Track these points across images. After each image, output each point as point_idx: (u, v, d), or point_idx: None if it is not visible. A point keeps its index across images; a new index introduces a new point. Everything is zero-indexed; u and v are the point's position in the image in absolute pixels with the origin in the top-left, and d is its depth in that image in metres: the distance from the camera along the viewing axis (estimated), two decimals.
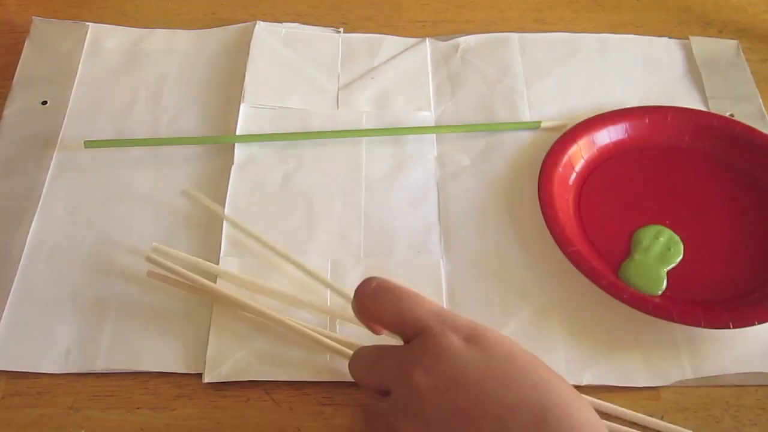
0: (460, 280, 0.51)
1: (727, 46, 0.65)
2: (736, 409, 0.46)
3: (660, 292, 0.50)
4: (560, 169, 0.54)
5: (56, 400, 0.46)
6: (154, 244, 0.50)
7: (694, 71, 0.63)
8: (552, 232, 0.51)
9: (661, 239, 0.52)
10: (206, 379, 0.46)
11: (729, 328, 0.47)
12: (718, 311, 0.48)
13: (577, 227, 0.53)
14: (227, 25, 0.65)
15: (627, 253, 0.52)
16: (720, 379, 0.47)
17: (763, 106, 0.61)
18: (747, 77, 0.63)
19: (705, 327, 0.47)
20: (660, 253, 0.51)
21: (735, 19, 0.68)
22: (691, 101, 0.61)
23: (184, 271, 0.49)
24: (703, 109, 0.60)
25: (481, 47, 0.64)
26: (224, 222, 0.53)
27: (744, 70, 0.63)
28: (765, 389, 0.47)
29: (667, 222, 0.53)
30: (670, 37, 0.66)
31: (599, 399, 0.46)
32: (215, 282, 0.49)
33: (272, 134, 0.58)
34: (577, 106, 0.60)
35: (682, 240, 0.52)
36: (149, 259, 0.49)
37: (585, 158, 0.56)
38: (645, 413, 0.45)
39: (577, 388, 0.46)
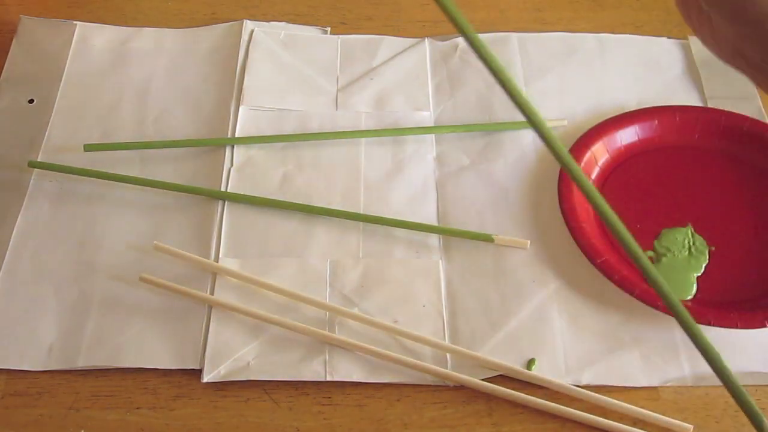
0: (459, 280, 0.51)
1: None
2: (735, 409, 0.46)
3: (690, 297, 0.50)
4: None
5: (56, 400, 0.46)
6: (154, 242, 0.50)
7: (693, 71, 0.63)
8: (579, 244, 0.50)
9: (686, 241, 0.52)
10: (205, 379, 0.46)
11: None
12: (754, 312, 0.48)
13: (600, 235, 0.52)
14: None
15: (652, 258, 0.51)
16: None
17: (762, 106, 0.61)
18: (746, 77, 0.63)
19: (741, 328, 0.47)
20: (687, 256, 0.51)
21: None
22: (690, 101, 0.61)
23: (187, 254, 0.49)
24: None
25: None
26: (223, 222, 0.53)
27: None
28: (765, 389, 0.47)
29: (689, 223, 0.53)
30: (669, 37, 0.66)
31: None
32: (213, 280, 0.50)
33: (271, 136, 0.58)
34: (576, 106, 0.60)
35: (706, 240, 0.52)
36: (157, 247, 0.50)
37: (600, 165, 0.56)
38: (644, 414, 0.45)
39: (577, 387, 0.46)
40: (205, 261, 0.51)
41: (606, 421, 0.45)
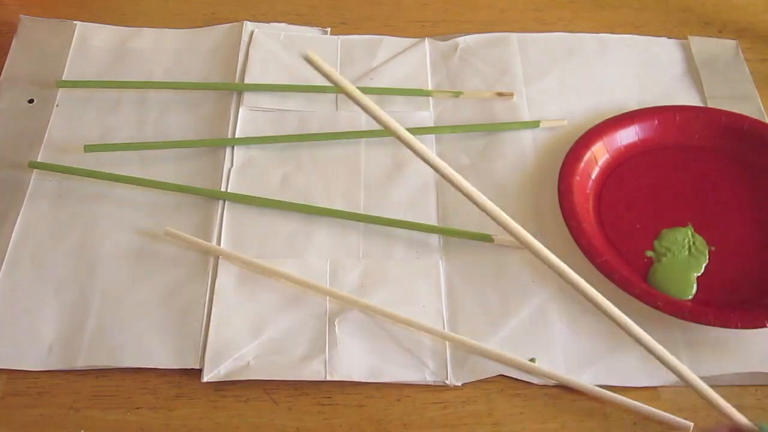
0: (459, 280, 0.51)
1: (726, 46, 0.65)
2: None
3: (691, 296, 0.50)
4: (578, 177, 0.54)
5: (56, 400, 0.46)
6: (165, 228, 0.51)
7: (693, 71, 0.63)
8: (579, 244, 0.50)
9: (686, 241, 0.52)
10: (205, 379, 0.46)
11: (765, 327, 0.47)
12: (754, 312, 0.48)
13: (600, 235, 0.52)
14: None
15: (651, 258, 0.51)
16: (719, 379, 0.47)
17: (762, 106, 0.61)
18: (746, 77, 0.63)
19: (741, 328, 0.47)
20: (687, 256, 0.51)
21: (735, 19, 0.68)
22: (690, 101, 0.61)
23: (195, 240, 0.51)
24: None
25: (480, 47, 0.64)
26: (223, 223, 0.53)
27: (743, 70, 0.63)
28: (765, 389, 0.47)
29: (689, 223, 0.53)
30: (669, 37, 0.66)
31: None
32: (213, 278, 0.50)
33: (271, 136, 0.58)
34: (576, 106, 0.60)
35: (706, 240, 0.52)
36: (167, 233, 0.51)
37: (600, 165, 0.56)
38: (644, 414, 0.45)
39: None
40: (211, 246, 0.51)
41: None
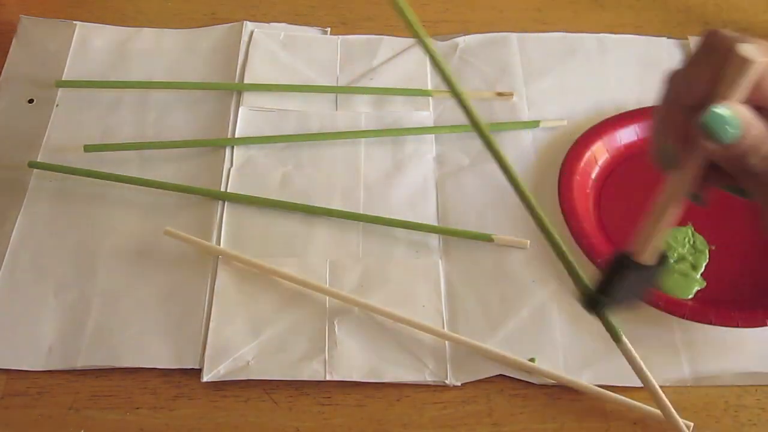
0: (459, 280, 0.51)
1: None
2: (735, 409, 0.46)
3: (691, 296, 0.50)
4: (578, 177, 0.54)
5: (56, 400, 0.46)
6: (166, 228, 0.51)
7: None
8: (579, 244, 0.50)
9: (687, 241, 0.52)
10: (205, 378, 0.46)
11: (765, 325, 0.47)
12: (754, 310, 0.48)
13: (600, 235, 0.52)
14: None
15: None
16: (719, 379, 0.47)
17: None
18: None
19: (741, 327, 0.47)
20: (687, 255, 0.51)
21: (735, 19, 0.68)
22: None
23: (195, 239, 0.51)
24: None
25: (480, 47, 0.64)
26: (223, 223, 0.53)
27: None
28: (765, 389, 0.47)
29: (689, 222, 0.53)
30: (669, 37, 0.66)
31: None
32: (213, 276, 0.50)
33: (271, 136, 0.58)
34: (575, 106, 0.60)
35: (706, 239, 0.52)
36: (167, 233, 0.51)
37: (600, 164, 0.56)
38: (644, 414, 0.45)
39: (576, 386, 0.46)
40: (211, 246, 0.51)
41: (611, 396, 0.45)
